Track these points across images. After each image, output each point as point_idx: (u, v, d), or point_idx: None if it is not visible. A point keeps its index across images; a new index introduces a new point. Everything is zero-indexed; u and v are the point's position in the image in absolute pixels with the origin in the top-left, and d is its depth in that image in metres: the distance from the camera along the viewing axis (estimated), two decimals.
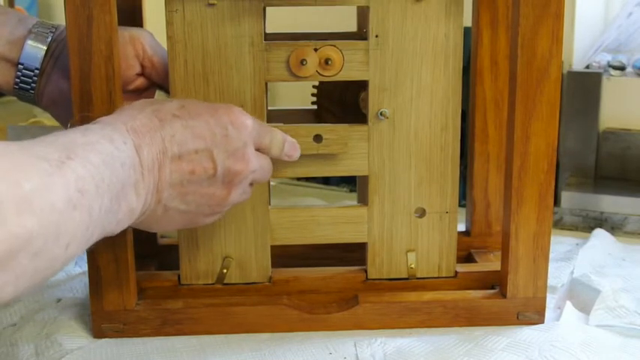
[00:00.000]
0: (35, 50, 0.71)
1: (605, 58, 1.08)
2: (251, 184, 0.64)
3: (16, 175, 0.43)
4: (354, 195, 1.04)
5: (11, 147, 0.45)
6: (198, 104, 0.60)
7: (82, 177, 0.47)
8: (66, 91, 0.69)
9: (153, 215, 0.58)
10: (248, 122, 0.61)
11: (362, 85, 0.71)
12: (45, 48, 0.71)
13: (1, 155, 0.43)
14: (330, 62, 0.68)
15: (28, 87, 0.71)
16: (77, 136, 0.51)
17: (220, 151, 0.59)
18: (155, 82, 0.73)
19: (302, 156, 0.68)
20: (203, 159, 0.58)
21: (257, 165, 0.62)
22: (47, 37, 0.71)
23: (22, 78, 0.71)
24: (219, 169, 0.59)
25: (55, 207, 0.44)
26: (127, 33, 0.70)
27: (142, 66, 0.71)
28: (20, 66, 0.71)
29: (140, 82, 0.72)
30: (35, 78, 0.71)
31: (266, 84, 0.69)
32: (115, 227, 0.53)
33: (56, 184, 0.45)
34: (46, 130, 0.74)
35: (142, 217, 0.57)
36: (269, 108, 0.73)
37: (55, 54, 0.71)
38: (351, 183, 1.14)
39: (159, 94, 0.72)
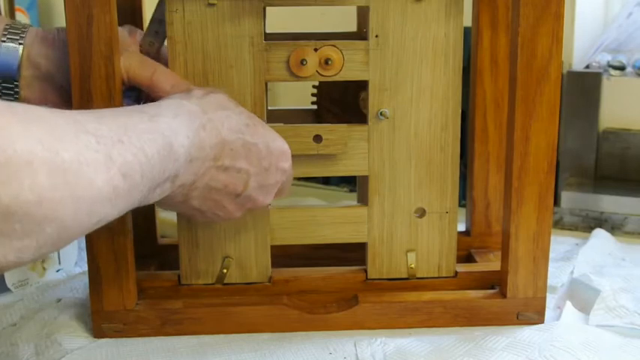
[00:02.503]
0: (11, 53, 0.67)
1: (605, 58, 1.08)
2: None
3: (54, 142, 0.42)
4: (354, 195, 1.04)
5: (57, 118, 0.44)
6: (261, 126, 0.63)
7: (128, 162, 0.47)
8: (56, 105, 0.67)
9: (171, 199, 0.59)
10: (287, 170, 0.65)
11: (362, 85, 0.71)
12: (20, 50, 0.66)
13: (45, 121, 0.43)
14: (330, 62, 0.68)
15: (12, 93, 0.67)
16: (142, 119, 0.52)
17: (255, 180, 0.62)
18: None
19: (302, 156, 0.68)
20: (239, 179, 0.61)
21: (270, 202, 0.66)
22: (22, 38, 0.67)
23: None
24: (245, 193, 0.62)
25: (93, 184, 0.44)
26: None
27: None
28: None
29: None
30: (16, 82, 0.67)
31: (266, 84, 0.69)
32: (138, 205, 0.53)
33: (98, 161, 0.45)
34: None
35: (161, 198, 0.57)
36: (269, 108, 0.73)
37: (35, 62, 0.67)
38: (351, 183, 1.14)
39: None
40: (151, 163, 0.50)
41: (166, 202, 0.60)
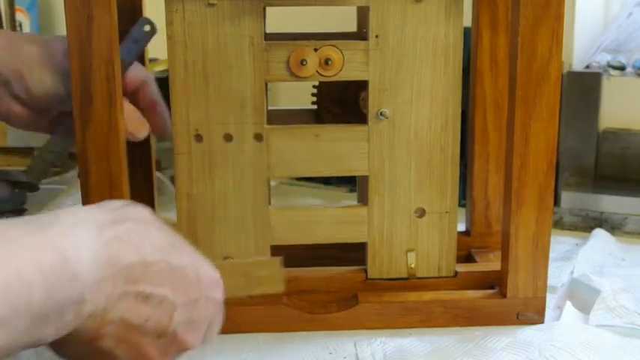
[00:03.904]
0: None
1: (604, 58, 1.08)
2: None
3: None
4: (354, 195, 1.04)
5: None
6: (188, 248, 0.53)
7: None
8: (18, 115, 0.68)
9: (75, 337, 0.46)
10: (219, 301, 0.54)
11: (362, 85, 0.71)
12: None
13: None
14: (330, 62, 0.68)
15: None
16: (29, 230, 0.43)
17: (182, 314, 0.50)
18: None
19: (303, 156, 0.68)
20: (163, 312, 0.49)
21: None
22: None
23: None
24: (170, 330, 0.50)
25: None
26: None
27: None
28: None
29: None
30: None
31: (266, 84, 0.69)
32: (25, 347, 0.43)
33: None
34: None
35: (62, 334, 0.45)
36: (269, 108, 0.73)
37: None
38: (351, 183, 1.14)
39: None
40: (28, 290, 0.40)
41: (69, 343, 0.46)
